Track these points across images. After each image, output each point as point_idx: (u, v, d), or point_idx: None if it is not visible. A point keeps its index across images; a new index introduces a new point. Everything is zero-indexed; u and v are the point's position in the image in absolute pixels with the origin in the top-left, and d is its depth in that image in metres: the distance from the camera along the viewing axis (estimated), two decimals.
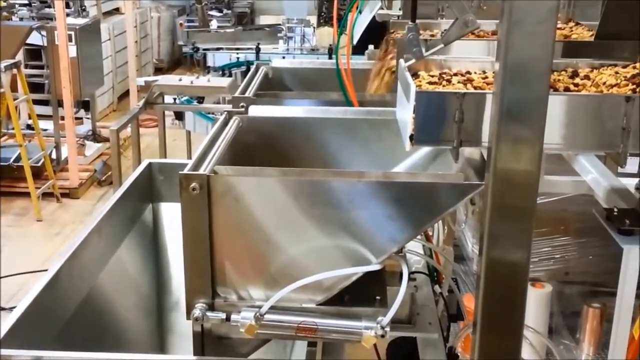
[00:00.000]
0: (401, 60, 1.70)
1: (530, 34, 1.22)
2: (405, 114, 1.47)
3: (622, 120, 1.35)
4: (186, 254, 1.61)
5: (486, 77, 1.61)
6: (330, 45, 8.19)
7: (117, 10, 9.91)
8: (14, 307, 1.78)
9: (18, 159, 6.36)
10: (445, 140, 1.40)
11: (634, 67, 1.67)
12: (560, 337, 3.20)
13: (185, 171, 1.58)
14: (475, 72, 1.67)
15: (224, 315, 1.61)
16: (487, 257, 1.34)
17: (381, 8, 3.30)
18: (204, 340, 1.66)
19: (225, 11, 11.11)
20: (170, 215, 2.55)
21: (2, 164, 6.45)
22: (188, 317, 1.62)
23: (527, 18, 1.22)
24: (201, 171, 1.60)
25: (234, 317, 1.61)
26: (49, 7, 7.38)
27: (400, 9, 2.98)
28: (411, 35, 1.67)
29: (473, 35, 2.27)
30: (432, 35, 2.32)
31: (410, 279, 1.79)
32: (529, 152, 1.27)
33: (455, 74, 1.65)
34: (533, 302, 3.08)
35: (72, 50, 6.81)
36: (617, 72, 1.63)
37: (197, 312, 1.61)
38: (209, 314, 1.62)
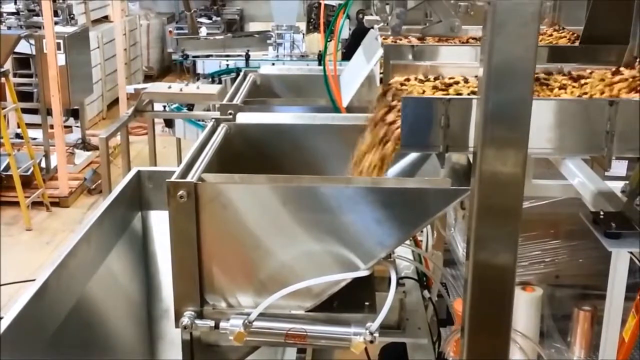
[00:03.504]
0: (374, 29, 1.67)
1: (514, 37, 1.23)
2: (357, 73, 1.45)
3: (606, 124, 1.36)
4: (174, 261, 1.60)
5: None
6: (320, 51, 8.20)
7: (106, 18, 9.89)
8: (1, 318, 1.77)
9: (7, 168, 6.32)
10: (431, 146, 1.41)
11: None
12: (552, 340, 3.20)
13: (173, 179, 1.58)
14: (461, 79, 1.68)
15: (212, 323, 1.61)
16: (474, 260, 1.34)
17: (370, 14, 3.30)
18: (193, 348, 1.65)
19: (214, 18, 11.12)
20: (160, 223, 2.54)
21: None
22: (177, 325, 1.62)
23: (511, 21, 1.23)
24: (189, 179, 1.60)
25: (222, 324, 1.61)
26: (37, 15, 7.35)
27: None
28: (399, 11, 1.66)
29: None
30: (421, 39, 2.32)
31: (399, 284, 1.79)
32: (514, 155, 1.28)
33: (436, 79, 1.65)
34: (524, 305, 3.09)
35: (61, 59, 6.80)
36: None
37: (185, 320, 1.61)
38: (197, 321, 1.61)
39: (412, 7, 2.19)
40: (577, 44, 2.33)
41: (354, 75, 1.57)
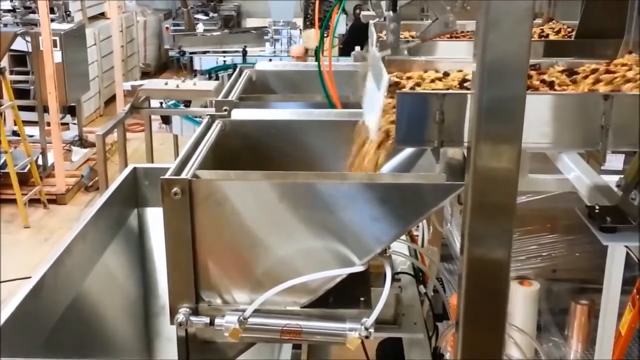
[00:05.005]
0: (374, 51, 1.69)
1: (508, 33, 1.23)
2: (373, 100, 1.46)
3: (601, 118, 1.35)
4: (169, 258, 1.60)
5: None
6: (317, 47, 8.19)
7: (102, 15, 9.86)
8: None
9: (4, 165, 6.32)
10: (427, 141, 1.41)
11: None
12: (549, 334, 3.21)
13: (167, 176, 1.58)
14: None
15: (207, 320, 1.61)
16: (469, 255, 1.34)
17: (367, 9, 3.30)
18: (188, 345, 1.65)
19: (211, 14, 11.11)
20: (156, 220, 2.54)
21: None
22: (172, 322, 1.62)
23: (504, 18, 1.23)
24: (183, 175, 1.60)
25: (218, 321, 1.60)
26: (34, 12, 7.34)
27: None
28: (392, 27, 1.67)
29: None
30: (413, 36, 2.32)
31: (395, 280, 1.79)
32: (508, 150, 1.27)
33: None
34: (521, 300, 3.09)
35: (57, 56, 6.79)
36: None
37: (180, 317, 1.60)
38: (192, 318, 1.61)
39: (406, 3, 2.18)
40: (561, 34, 2.34)
41: (372, 102, 1.57)
